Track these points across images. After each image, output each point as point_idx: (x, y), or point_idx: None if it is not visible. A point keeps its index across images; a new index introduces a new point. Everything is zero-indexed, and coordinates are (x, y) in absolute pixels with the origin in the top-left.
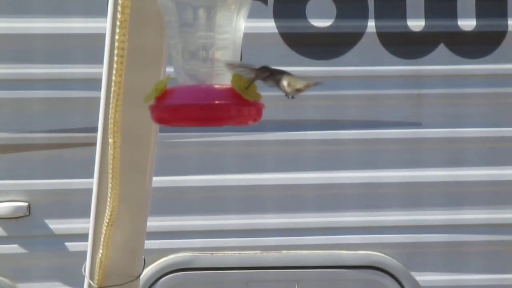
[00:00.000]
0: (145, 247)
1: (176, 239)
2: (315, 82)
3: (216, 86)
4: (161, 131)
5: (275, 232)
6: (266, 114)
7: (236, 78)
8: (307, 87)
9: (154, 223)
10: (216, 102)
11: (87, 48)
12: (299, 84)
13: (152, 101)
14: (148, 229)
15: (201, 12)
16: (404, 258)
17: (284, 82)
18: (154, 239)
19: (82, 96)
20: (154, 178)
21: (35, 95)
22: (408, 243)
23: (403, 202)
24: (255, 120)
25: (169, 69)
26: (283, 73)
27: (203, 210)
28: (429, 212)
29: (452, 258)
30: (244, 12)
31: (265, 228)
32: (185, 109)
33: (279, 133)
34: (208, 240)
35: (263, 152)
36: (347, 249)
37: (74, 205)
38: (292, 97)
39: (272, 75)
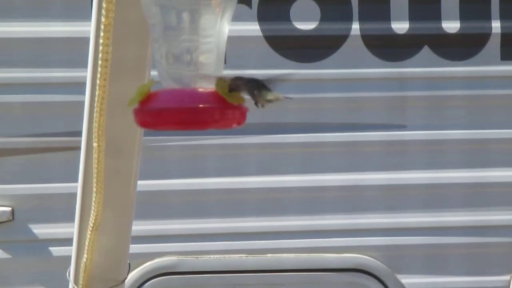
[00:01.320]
0: (130, 251)
1: (160, 243)
2: (285, 97)
3: (200, 89)
4: (144, 134)
5: (260, 235)
6: (248, 117)
7: (220, 81)
8: (277, 100)
9: (138, 227)
10: (200, 105)
11: (68, 52)
12: (270, 96)
13: (136, 105)
14: (132, 233)
15: (185, 15)
16: (389, 260)
17: (255, 93)
18: (139, 243)
19: (63, 100)
20: (138, 182)
21: (17, 99)
22: (393, 245)
23: (387, 205)
24: (239, 123)
25: (153, 73)
26: (255, 82)
27: (188, 214)
28: (413, 214)
29: (436, 260)
30: (228, 15)
31: (249, 231)
32: (169, 112)
33: (262, 136)
34: (192, 244)
35: (246, 155)
36: (332, 252)
37: (58, 209)
38: (262, 106)
39: (245, 85)
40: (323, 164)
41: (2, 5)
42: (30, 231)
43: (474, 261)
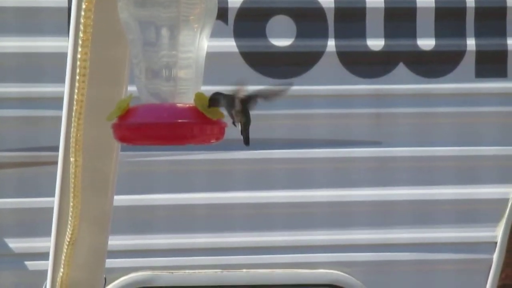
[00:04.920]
0: (106, 265)
1: (136, 257)
2: (245, 138)
3: (179, 105)
4: (129, 149)
5: (236, 250)
6: (234, 133)
7: (199, 96)
8: (245, 126)
9: (115, 241)
10: (179, 120)
11: (55, 67)
12: (244, 119)
13: (115, 120)
14: (108, 248)
15: (164, 31)
16: (368, 276)
17: (232, 112)
18: (115, 257)
19: (47, 115)
20: (120, 197)
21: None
22: (374, 261)
23: (373, 221)
24: (217, 138)
25: (132, 88)
26: (232, 100)
27: (164, 229)
28: (397, 230)
29: (419, 276)
30: (207, 31)
31: (226, 246)
32: (148, 127)
33: (248, 152)
34: (168, 259)
35: (232, 170)
36: (310, 268)
37: (35, 224)
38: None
39: (223, 102)
40: (308, 180)
41: None
42: (6, 245)
43: (460, 278)
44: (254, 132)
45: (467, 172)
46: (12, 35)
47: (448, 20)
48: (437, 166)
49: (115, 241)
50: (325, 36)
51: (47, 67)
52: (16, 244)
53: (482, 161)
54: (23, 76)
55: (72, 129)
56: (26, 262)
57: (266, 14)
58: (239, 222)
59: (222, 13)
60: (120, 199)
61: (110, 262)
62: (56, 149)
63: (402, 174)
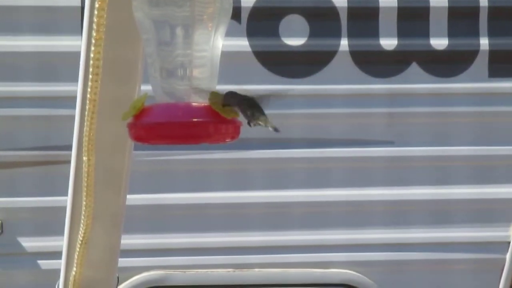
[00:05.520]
0: (119, 264)
1: (151, 256)
2: (274, 128)
3: (194, 104)
4: (146, 148)
5: (250, 250)
6: (251, 132)
7: (213, 95)
8: (266, 126)
9: (129, 240)
10: (194, 120)
11: (72, 66)
12: (261, 121)
13: (130, 119)
14: (123, 246)
15: (179, 30)
16: (382, 276)
17: (249, 113)
18: (128, 257)
19: (64, 114)
20: (136, 196)
21: (24, 113)
22: (388, 261)
23: (390, 220)
24: (233, 137)
25: (147, 87)
26: (248, 101)
27: (179, 228)
28: (411, 230)
29: (433, 276)
30: (221, 30)
31: (240, 245)
32: (163, 127)
33: (264, 151)
34: (182, 258)
35: (247, 169)
36: (324, 267)
37: (47, 223)
38: (254, 125)
39: (238, 104)
40: (325, 180)
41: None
42: (19, 244)
43: (474, 278)
44: (268, 132)
45: (481, 171)
46: (29, 35)
47: (462, 19)
48: (451, 166)
49: (130, 240)
50: (338, 36)
51: (64, 66)
52: (31, 243)
53: (496, 160)
54: (40, 75)
55: (85, 128)
56: (40, 261)
57: (279, 13)
58: (254, 222)
59: (235, 12)
60: (136, 198)
61: (123, 262)
62: (61, 148)
63: (416, 173)
